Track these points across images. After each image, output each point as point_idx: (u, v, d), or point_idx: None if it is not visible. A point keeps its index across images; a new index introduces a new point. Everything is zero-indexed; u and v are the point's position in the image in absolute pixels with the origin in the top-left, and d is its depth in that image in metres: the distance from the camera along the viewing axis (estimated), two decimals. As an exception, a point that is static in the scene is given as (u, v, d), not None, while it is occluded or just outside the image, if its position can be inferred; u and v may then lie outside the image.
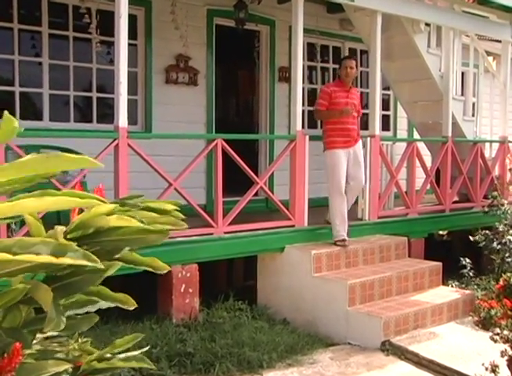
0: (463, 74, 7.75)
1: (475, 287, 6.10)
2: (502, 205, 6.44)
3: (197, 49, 6.84)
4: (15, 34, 5.76)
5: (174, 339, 4.42)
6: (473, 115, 8.00)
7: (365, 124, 6.74)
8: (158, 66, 6.60)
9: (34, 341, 1.24)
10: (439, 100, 7.05)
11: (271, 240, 5.39)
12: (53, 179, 4.27)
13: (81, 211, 1.18)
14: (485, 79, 8.52)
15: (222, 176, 5.07)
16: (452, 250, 7.42)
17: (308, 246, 5.46)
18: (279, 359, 4.37)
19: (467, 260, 6.07)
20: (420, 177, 6.86)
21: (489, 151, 8.02)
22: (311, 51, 7.98)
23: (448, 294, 5.57)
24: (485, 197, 7.07)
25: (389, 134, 8.97)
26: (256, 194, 5.53)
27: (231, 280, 6.31)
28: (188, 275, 4.87)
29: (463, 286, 6.05)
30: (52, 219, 1.60)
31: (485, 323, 4.71)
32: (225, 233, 5.10)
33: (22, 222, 3.57)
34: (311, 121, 7.50)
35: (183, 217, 1.24)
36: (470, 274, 6.09)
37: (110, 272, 1.21)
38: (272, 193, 5.80)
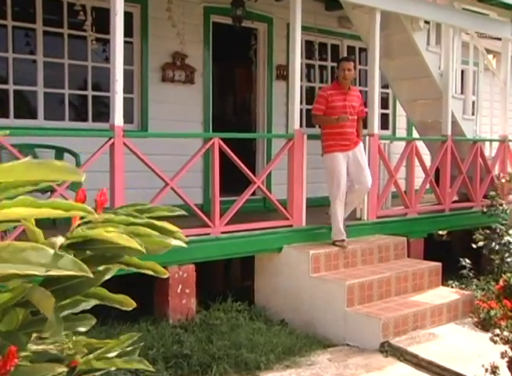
0: (462, 72, 7.71)
1: (475, 287, 6.07)
2: (501, 205, 6.40)
3: (194, 47, 6.79)
4: (9, 32, 5.70)
5: (171, 340, 4.41)
6: (473, 114, 7.96)
7: (363, 122, 6.67)
8: (154, 64, 6.55)
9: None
10: (438, 99, 7.01)
11: (268, 240, 5.36)
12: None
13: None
14: (485, 77, 8.46)
15: (219, 175, 5.04)
16: (451, 250, 7.39)
17: (306, 246, 5.42)
18: (277, 361, 4.35)
19: (467, 260, 6.04)
20: (419, 176, 6.82)
21: (489, 150, 7.97)
22: (309, 49, 7.94)
23: (448, 294, 5.54)
24: (485, 197, 7.04)
25: (388, 133, 8.93)
26: (253, 194, 5.50)
27: (228, 280, 6.27)
28: (185, 275, 4.85)
29: (463, 286, 6.02)
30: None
31: (485, 324, 4.67)
32: (222, 233, 5.07)
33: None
34: (309, 119, 7.44)
35: (187, 240, 1.24)
36: (470, 275, 6.07)
37: (109, 276, 1.21)
38: (270, 192, 5.77)
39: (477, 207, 7.15)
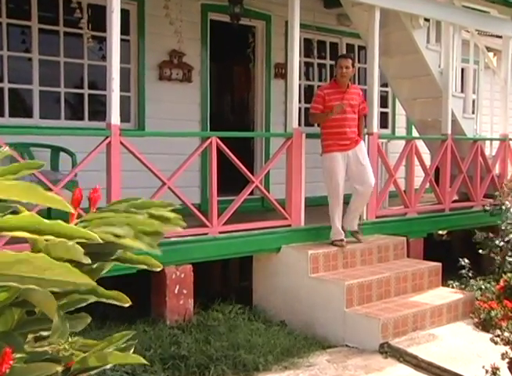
0: (462, 70, 7.68)
1: (475, 287, 6.03)
2: (503, 204, 6.36)
3: (191, 45, 6.73)
4: (3, 29, 5.64)
5: (168, 342, 4.39)
6: (473, 112, 7.92)
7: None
8: (151, 63, 6.50)
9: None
10: (438, 97, 6.97)
11: (267, 240, 5.32)
12: (44, 178, 4.17)
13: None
14: (486, 75, 8.41)
15: (217, 175, 5.00)
16: (451, 250, 7.35)
17: (305, 246, 5.39)
18: (276, 362, 4.33)
19: (466, 260, 6.01)
20: (418, 176, 6.77)
21: (490, 149, 7.94)
22: (307, 47, 7.88)
23: (448, 295, 5.51)
24: (485, 196, 6.99)
25: (387, 131, 8.90)
26: (251, 193, 5.47)
27: (226, 281, 6.24)
28: (182, 276, 4.81)
29: (463, 287, 5.98)
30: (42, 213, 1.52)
31: (486, 325, 4.65)
32: (220, 232, 5.03)
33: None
34: (307, 118, 7.40)
35: (184, 225, 1.21)
36: (470, 275, 6.03)
37: (105, 271, 1.20)
38: (268, 191, 5.73)
39: (477, 207, 7.11)
